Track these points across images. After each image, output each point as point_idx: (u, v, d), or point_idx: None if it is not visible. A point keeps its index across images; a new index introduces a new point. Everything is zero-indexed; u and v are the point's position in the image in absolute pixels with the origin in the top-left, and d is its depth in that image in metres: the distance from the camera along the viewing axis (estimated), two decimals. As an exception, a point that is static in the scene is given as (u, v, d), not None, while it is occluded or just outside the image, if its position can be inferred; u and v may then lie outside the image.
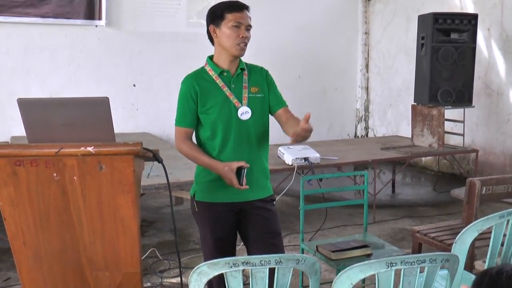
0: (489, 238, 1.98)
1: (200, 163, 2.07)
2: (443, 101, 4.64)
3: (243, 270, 1.45)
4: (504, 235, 1.99)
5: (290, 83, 6.27)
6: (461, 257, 1.72)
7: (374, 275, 1.45)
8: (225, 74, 2.05)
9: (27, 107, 1.77)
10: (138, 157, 1.77)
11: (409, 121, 5.21)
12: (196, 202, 2.11)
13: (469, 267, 2.41)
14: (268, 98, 2.11)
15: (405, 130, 5.90)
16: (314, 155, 3.92)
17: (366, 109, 6.93)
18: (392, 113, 6.57)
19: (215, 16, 2.03)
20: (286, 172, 3.91)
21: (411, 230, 2.96)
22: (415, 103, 4.89)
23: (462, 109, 4.87)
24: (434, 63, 4.60)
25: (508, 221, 1.96)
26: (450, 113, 4.83)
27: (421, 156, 5.23)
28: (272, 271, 1.47)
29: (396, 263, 1.44)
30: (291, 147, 4.03)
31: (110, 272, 1.83)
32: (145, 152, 1.81)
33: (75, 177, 1.73)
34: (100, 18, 5.33)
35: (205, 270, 1.43)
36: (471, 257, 2.45)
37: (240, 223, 2.12)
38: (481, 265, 2.39)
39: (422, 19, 4.75)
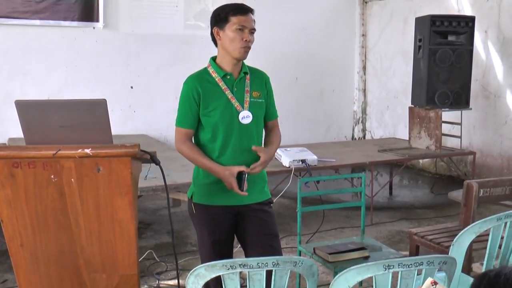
0: (487, 240, 1.98)
1: (200, 165, 2.06)
2: (440, 103, 4.65)
3: (240, 272, 1.45)
4: (502, 238, 2.00)
5: (287, 85, 6.28)
6: (458, 260, 1.72)
7: (371, 277, 1.45)
8: (228, 77, 2.06)
9: (25, 108, 1.77)
10: (135, 159, 1.77)
11: (406, 123, 5.22)
12: (194, 204, 2.10)
13: (467, 269, 2.41)
14: (265, 105, 2.12)
15: (403, 132, 5.91)
16: (311, 157, 3.92)
17: (364, 111, 6.94)
18: (390, 115, 6.58)
19: (219, 19, 2.03)
20: (283, 174, 3.91)
21: (409, 233, 2.97)
22: (413, 105, 4.91)
23: (460, 111, 4.88)
24: (432, 65, 4.61)
25: (505, 223, 1.96)
26: (448, 115, 4.84)
27: (419, 158, 5.24)
28: (269, 273, 1.47)
29: (393, 266, 1.44)
30: (288, 149, 4.03)
31: (107, 274, 1.82)
32: (143, 154, 1.81)
33: (72, 179, 1.73)
34: (97, 20, 5.33)
35: (203, 272, 1.43)
36: (469, 259, 2.45)
37: (237, 225, 2.12)
38: (479, 268, 2.39)
39: (419, 21, 4.77)
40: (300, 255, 2.69)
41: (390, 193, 5.21)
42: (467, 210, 2.51)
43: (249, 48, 2.03)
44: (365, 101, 6.93)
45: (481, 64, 5.31)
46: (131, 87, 5.64)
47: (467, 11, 5.41)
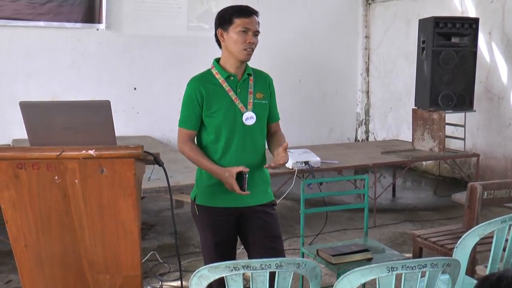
0: (491, 243, 1.97)
1: (201, 166, 2.06)
2: (444, 105, 4.64)
3: (243, 274, 1.45)
4: (506, 240, 1.99)
5: (290, 87, 6.28)
6: (462, 262, 1.72)
7: (374, 279, 1.44)
8: (232, 78, 2.06)
9: (29, 110, 1.78)
10: (139, 161, 1.77)
11: (409, 125, 5.21)
12: (197, 206, 2.10)
13: (471, 272, 2.40)
14: (269, 106, 2.12)
15: (406, 134, 5.90)
16: (314, 159, 3.92)
17: (367, 113, 6.94)
18: (393, 117, 6.57)
19: (223, 20, 2.03)
20: (286, 176, 3.91)
21: (412, 235, 2.96)
22: (416, 107, 4.90)
23: (463, 113, 4.87)
24: (435, 67, 4.60)
25: (510, 226, 1.95)
26: (451, 117, 4.83)
27: (422, 160, 5.22)
28: (272, 275, 1.47)
29: (397, 268, 1.43)
30: (291, 150, 4.02)
31: (110, 275, 1.83)
32: (146, 156, 1.82)
33: (76, 180, 1.73)
34: (100, 22, 5.35)
35: (206, 274, 1.43)
36: (473, 262, 2.44)
37: (240, 227, 2.12)
38: (483, 270, 2.38)
39: (422, 23, 4.76)
40: (303, 256, 2.68)
41: (393, 195, 5.20)
42: (470, 212, 2.50)
43: (252, 50, 2.03)
44: (368, 103, 6.92)
45: (485, 66, 5.29)
46: (134, 89, 5.66)
47: (471, 13, 5.40)
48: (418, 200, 5.14)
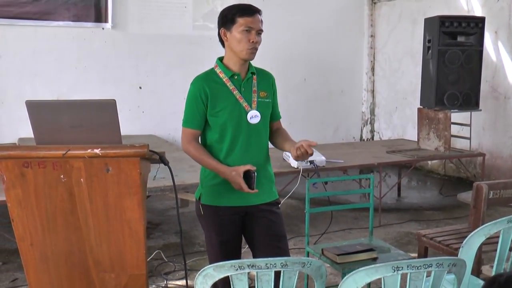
0: (497, 242, 1.96)
1: (206, 165, 2.06)
2: (449, 105, 4.62)
3: (248, 273, 1.45)
4: (512, 240, 1.98)
5: (295, 86, 6.27)
6: (468, 262, 1.71)
7: (380, 279, 1.44)
8: (236, 77, 2.05)
9: (35, 109, 1.78)
10: (144, 160, 1.78)
11: (415, 125, 5.19)
12: (202, 205, 2.10)
13: (476, 272, 2.39)
14: (272, 105, 2.13)
15: (411, 134, 5.88)
16: (319, 158, 3.91)
17: (372, 112, 6.92)
18: (398, 116, 6.55)
19: (226, 20, 2.03)
20: (292, 175, 3.91)
21: (417, 234, 2.95)
22: (421, 106, 4.88)
23: (469, 113, 4.84)
24: (441, 66, 4.58)
25: (515, 225, 1.94)
26: (457, 116, 4.81)
27: (427, 159, 5.20)
28: (277, 274, 1.47)
29: (402, 267, 1.43)
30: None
31: (116, 274, 1.83)
32: (152, 155, 1.82)
33: (82, 179, 1.74)
34: (106, 21, 5.37)
35: (211, 273, 1.43)
36: (478, 262, 2.43)
37: (245, 226, 2.11)
38: (489, 270, 2.37)
39: (428, 22, 4.74)
40: (308, 256, 2.68)
41: (399, 194, 5.18)
42: (476, 212, 2.49)
43: (256, 49, 2.02)
44: (373, 102, 6.90)
45: (491, 65, 5.26)
46: (140, 88, 5.67)
47: (477, 12, 5.37)
48: (424, 200, 5.12)
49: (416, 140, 5.01)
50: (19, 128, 4.85)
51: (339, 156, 4.34)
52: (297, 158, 2.02)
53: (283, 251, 2.07)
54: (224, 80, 2.04)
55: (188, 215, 4.13)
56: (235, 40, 2.00)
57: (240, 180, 1.97)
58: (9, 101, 5.09)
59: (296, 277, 1.49)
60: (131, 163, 1.72)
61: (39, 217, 1.78)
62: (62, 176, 1.74)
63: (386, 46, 6.66)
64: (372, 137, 6.90)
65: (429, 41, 4.67)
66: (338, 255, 2.46)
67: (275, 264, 1.44)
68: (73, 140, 1.74)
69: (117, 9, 5.40)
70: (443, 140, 4.63)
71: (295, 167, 3.85)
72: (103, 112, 1.77)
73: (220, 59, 2.09)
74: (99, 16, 5.35)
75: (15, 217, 1.78)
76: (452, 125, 4.65)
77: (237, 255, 2.10)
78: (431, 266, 1.45)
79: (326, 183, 3.49)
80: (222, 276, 1.44)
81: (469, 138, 4.85)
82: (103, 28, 5.40)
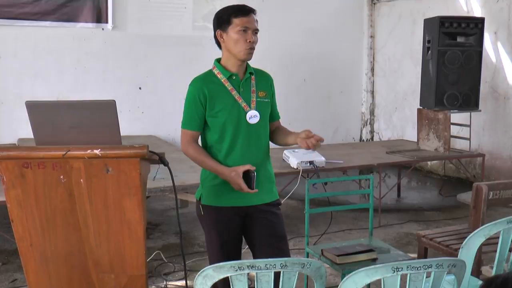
0: (497, 243, 1.97)
1: (206, 167, 2.06)
2: (449, 105, 4.62)
3: (248, 274, 1.45)
4: (512, 241, 1.98)
5: (295, 87, 6.27)
6: (468, 263, 1.71)
7: (380, 280, 1.44)
8: (234, 77, 2.05)
9: (35, 109, 1.78)
10: (144, 160, 1.78)
11: (414, 125, 5.19)
12: (202, 206, 2.10)
13: (476, 272, 2.39)
14: (270, 105, 2.13)
15: (411, 134, 5.88)
16: (319, 158, 3.91)
17: (372, 112, 6.92)
18: (398, 117, 6.55)
19: (221, 21, 2.03)
20: (291, 176, 3.91)
21: (417, 235, 2.95)
22: (421, 107, 4.88)
23: (469, 113, 4.84)
24: (440, 67, 4.58)
25: (515, 226, 1.94)
26: (456, 117, 4.81)
27: (427, 160, 5.21)
28: (277, 275, 1.47)
29: (402, 268, 1.43)
30: (296, 150, 4.02)
31: (115, 275, 1.83)
32: (151, 155, 1.82)
33: (81, 180, 1.74)
34: (106, 21, 5.37)
35: (211, 273, 1.44)
36: (478, 262, 2.43)
37: (245, 226, 2.11)
38: (489, 271, 2.37)
39: (428, 22, 4.74)
40: (307, 256, 2.68)
41: (398, 195, 5.18)
42: (476, 213, 2.49)
43: (253, 49, 2.02)
44: (373, 102, 6.90)
45: (491, 66, 5.26)
46: (140, 88, 5.67)
47: (477, 12, 5.37)
48: (423, 200, 5.12)
49: (416, 140, 5.01)
50: (19, 129, 4.85)
51: (338, 157, 4.34)
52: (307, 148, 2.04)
53: (283, 252, 2.07)
54: (222, 80, 2.04)
55: (188, 215, 4.13)
56: (232, 41, 2.00)
57: (240, 181, 1.97)
58: (9, 101, 5.09)
59: (296, 278, 1.49)
60: (130, 163, 1.72)
61: (38, 218, 1.77)
62: (62, 177, 1.74)
63: (385, 46, 6.66)
64: (372, 138, 6.90)
65: (428, 41, 4.68)
66: (337, 255, 2.46)
67: (274, 264, 1.44)
68: (73, 141, 1.74)
69: (117, 10, 5.40)
70: (442, 140, 4.63)
71: (295, 167, 3.85)
72: (103, 113, 1.77)
73: (218, 60, 2.10)
74: (99, 17, 5.35)
75: (14, 217, 1.78)
76: (451, 126, 4.65)
77: (237, 256, 2.10)
78: (431, 267, 1.45)
79: (325, 183, 3.49)
80: (221, 276, 1.44)
81: (469, 139, 4.85)
82: (103, 29, 5.40)
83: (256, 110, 2.05)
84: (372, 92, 6.88)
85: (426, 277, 1.47)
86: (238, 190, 1.99)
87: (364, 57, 6.82)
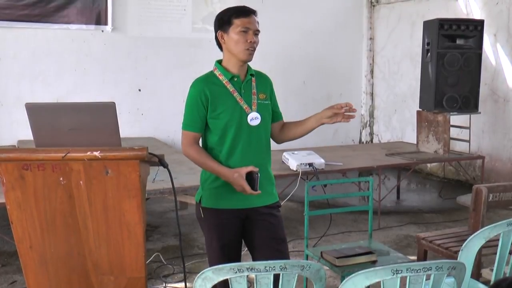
0: (497, 246, 1.96)
1: (208, 168, 2.05)
2: (448, 107, 4.62)
3: (247, 276, 1.45)
4: (512, 243, 1.98)
5: (294, 89, 6.28)
6: (467, 265, 1.71)
7: (379, 282, 1.44)
8: (235, 79, 2.05)
9: (35, 111, 1.78)
10: (143, 162, 1.78)
11: (414, 127, 5.19)
12: (202, 208, 2.10)
13: (476, 275, 2.39)
14: (271, 107, 2.13)
15: (410, 136, 5.88)
16: (318, 160, 3.91)
17: (371, 115, 6.92)
18: (397, 119, 6.55)
19: (222, 22, 2.03)
20: (291, 178, 3.91)
21: (417, 237, 2.95)
22: (421, 109, 4.88)
23: (468, 115, 4.85)
24: (440, 69, 4.59)
25: (515, 228, 1.94)
26: (456, 119, 4.81)
27: (426, 162, 5.20)
28: (276, 277, 1.46)
29: (401, 270, 1.43)
30: (295, 152, 4.03)
31: (115, 277, 1.83)
32: (151, 157, 1.82)
33: (81, 182, 1.74)
34: (106, 23, 5.38)
35: (210, 276, 1.43)
36: (478, 265, 2.43)
37: (245, 229, 2.11)
38: (489, 273, 2.37)
39: (427, 25, 4.75)
40: (307, 259, 2.68)
41: (398, 197, 5.18)
42: (476, 215, 2.49)
43: (254, 49, 2.03)
44: (372, 104, 6.91)
45: (490, 68, 5.27)
46: (139, 90, 5.67)
47: (476, 15, 5.38)
48: (423, 203, 5.12)
49: (415, 142, 5.01)
50: (19, 131, 4.85)
51: (338, 159, 4.34)
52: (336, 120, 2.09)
53: (283, 254, 2.06)
54: (224, 82, 2.04)
55: (187, 217, 4.13)
56: (232, 42, 2.00)
57: (243, 182, 1.96)
58: (9, 103, 5.09)
59: (295, 280, 1.49)
60: (130, 165, 1.72)
61: (38, 220, 1.77)
62: (61, 179, 1.73)
63: (385, 48, 6.67)
64: (371, 140, 6.91)
65: (428, 43, 4.68)
66: (337, 258, 2.45)
67: (274, 267, 1.44)
68: (72, 143, 1.74)
69: (116, 12, 5.41)
70: (442, 142, 4.63)
71: (294, 169, 3.85)
72: (103, 115, 1.77)
73: (219, 62, 2.10)
74: (99, 19, 5.36)
75: (14, 219, 1.78)
76: (451, 128, 4.65)
77: (237, 258, 2.09)
78: (430, 269, 1.45)
79: (325, 185, 3.49)
80: (221, 279, 1.44)
81: (469, 141, 4.86)
82: (102, 31, 5.40)
83: (257, 112, 2.05)
84: (372, 94, 6.89)
85: (426, 280, 1.47)
86: (241, 191, 1.98)
87: (364, 59, 6.83)
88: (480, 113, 4.84)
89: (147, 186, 1.99)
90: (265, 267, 1.43)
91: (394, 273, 1.42)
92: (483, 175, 4.85)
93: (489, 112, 5.26)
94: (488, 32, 5.01)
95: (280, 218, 2.14)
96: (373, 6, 6.78)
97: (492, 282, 1.11)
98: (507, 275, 2.05)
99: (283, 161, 4.02)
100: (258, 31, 2.04)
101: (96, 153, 1.70)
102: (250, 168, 1.97)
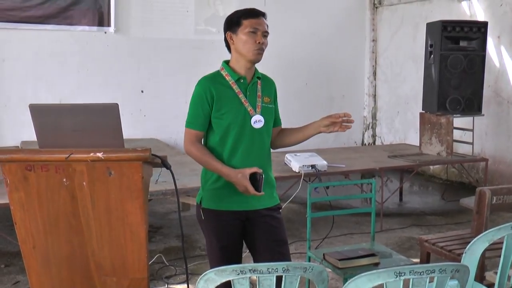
0: (500, 248, 1.95)
1: (210, 167, 2.04)
2: (451, 109, 4.61)
3: (250, 278, 1.44)
4: (515, 246, 1.97)
5: (297, 91, 6.28)
6: (471, 268, 1.70)
7: (382, 284, 1.44)
8: (242, 81, 2.06)
9: (38, 112, 1.79)
10: (146, 163, 1.78)
11: (417, 129, 5.18)
12: (203, 210, 2.10)
13: (480, 278, 2.38)
14: (274, 111, 2.14)
15: (413, 138, 5.87)
16: (321, 162, 3.91)
17: (374, 116, 6.91)
18: (400, 121, 6.54)
19: (232, 23, 2.05)
20: (293, 180, 3.90)
21: (419, 239, 2.94)
22: (423, 111, 4.87)
23: (471, 118, 4.84)
24: (443, 71, 4.58)
25: (519, 231, 1.93)
26: (459, 121, 4.80)
27: (429, 164, 5.20)
28: (279, 279, 1.46)
29: (404, 273, 1.42)
30: (298, 154, 4.02)
31: (117, 278, 1.83)
32: (154, 159, 1.82)
33: (84, 183, 1.74)
34: (109, 25, 5.40)
35: (212, 277, 1.43)
36: (482, 267, 2.42)
37: (246, 231, 2.11)
38: (492, 276, 2.36)
39: (430, 26, 4.74)
40: (309, 261, 2.68)
41: (400, 199, 5.17)
42: (479, 218, 2.48)
43: (262, 50, 2.03)
44: (375, 106, 6.90)
45: (494, 70, 5.26)
46: (142, 91, 5.68)
47: (480, 17, 5.37)
48: (426, 205, 5.10)
49: (418, 145, 5.00)
50: (22, 132, 4.87)
51: (340, 161, 4.34)
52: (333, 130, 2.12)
53: (284, 256, 2.06)
54: (230, 83, 2.04)
55: (190, 219, 4.12)
56: (241, 42, 2.01)
57: (247, 183, 1.95)
58: (13, 104, 5.11)
59: (298, 282, 1.48)
60: (133, 167, 1.73)
61: (41, 220, 1.78)
62: (64, 180, 1.74)
63: (387, 50, 6.66)
64: (374, 142, 6.89)
65: (431, 45, 4.68)
66: (339, 260, 2.45)
67: (277, 269, 1.44)
68: (75, 144, 1.74)
69: (119, 14, 5.43)
70: (445, 145, 4.62)
71: (297, 171, 3.84)
72: (106, 116, 1.78)
73: (226, 62, 2.10)
74: (102, 20, 5.37)
75: (18, 220, 1.78)
76: (454, 130, 4.64)
77: (238, 260, 2.09)
78: (433, 272, 1.44)
79: (327, 187, 3.49)
80: (223, 280, 1.43)
81: (472, 143, 4.84)
82: (105, 32, 5.42)
83: (261, 115, 2.05)
84: (374, 96, 6.88)
85: (429, 282, 1.46)
86: (244, 192, 1.97)
87: (366, 61, 6.83)
88: (483, 115, 4.82)
89: (150, 187, 1.99)
90: (268, 269, 1.43)
91: (397, 276, 1.42)
92: (487, 177, 4.84)
93: (492, 114, 5.24)
94: (491, 34, 5.00)
95: (281, 220, 2.13)
96: (376, 8, 6.77)
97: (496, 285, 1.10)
98: None
99: (285, 163, 4.01)
100: (267, 32, 2.04)
101: (99, 154, 1.70)
102: (254, 169, 1.96)
